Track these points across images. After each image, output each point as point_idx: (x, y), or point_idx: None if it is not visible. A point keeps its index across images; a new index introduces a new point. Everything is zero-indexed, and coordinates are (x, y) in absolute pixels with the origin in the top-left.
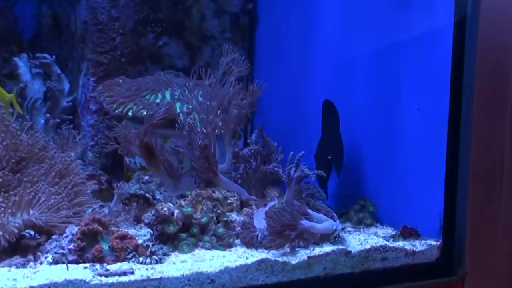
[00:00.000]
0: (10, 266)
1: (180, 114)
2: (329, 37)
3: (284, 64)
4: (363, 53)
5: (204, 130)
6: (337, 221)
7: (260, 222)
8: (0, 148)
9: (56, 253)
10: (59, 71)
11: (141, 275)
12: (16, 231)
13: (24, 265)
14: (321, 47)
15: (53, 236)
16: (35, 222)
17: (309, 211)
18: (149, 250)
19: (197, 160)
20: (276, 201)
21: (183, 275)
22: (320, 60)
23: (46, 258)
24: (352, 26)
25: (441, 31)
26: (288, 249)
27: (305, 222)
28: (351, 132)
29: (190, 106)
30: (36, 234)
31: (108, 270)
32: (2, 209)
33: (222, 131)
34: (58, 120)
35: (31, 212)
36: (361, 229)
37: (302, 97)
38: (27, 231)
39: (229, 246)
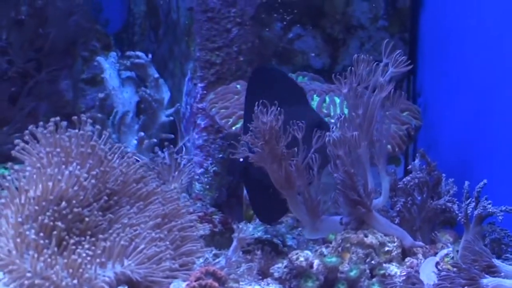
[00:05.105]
0: None
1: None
2: None
3: (463, 62)
4: None
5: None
6: None
7: (429, 276)
8: (86, 178)
9: None
10: (156, 75)
11: None
12: (106, 287)
13: None
14: None
15: None
16: (131, 276)
17: (495, 262)
18: None
19: (345, 191)
20: (450, 249)
21: None
22: None
23: None
24: None
25: None
26: None
27: (489, 281)
28: None
29: (333, 121)
30: None
31: None
32: (89, 258)
33: (375, 153)
34: (155, 140)
35: (126, 262)
36: None
37: (490, 107)
38: (120, 287)
39: None
